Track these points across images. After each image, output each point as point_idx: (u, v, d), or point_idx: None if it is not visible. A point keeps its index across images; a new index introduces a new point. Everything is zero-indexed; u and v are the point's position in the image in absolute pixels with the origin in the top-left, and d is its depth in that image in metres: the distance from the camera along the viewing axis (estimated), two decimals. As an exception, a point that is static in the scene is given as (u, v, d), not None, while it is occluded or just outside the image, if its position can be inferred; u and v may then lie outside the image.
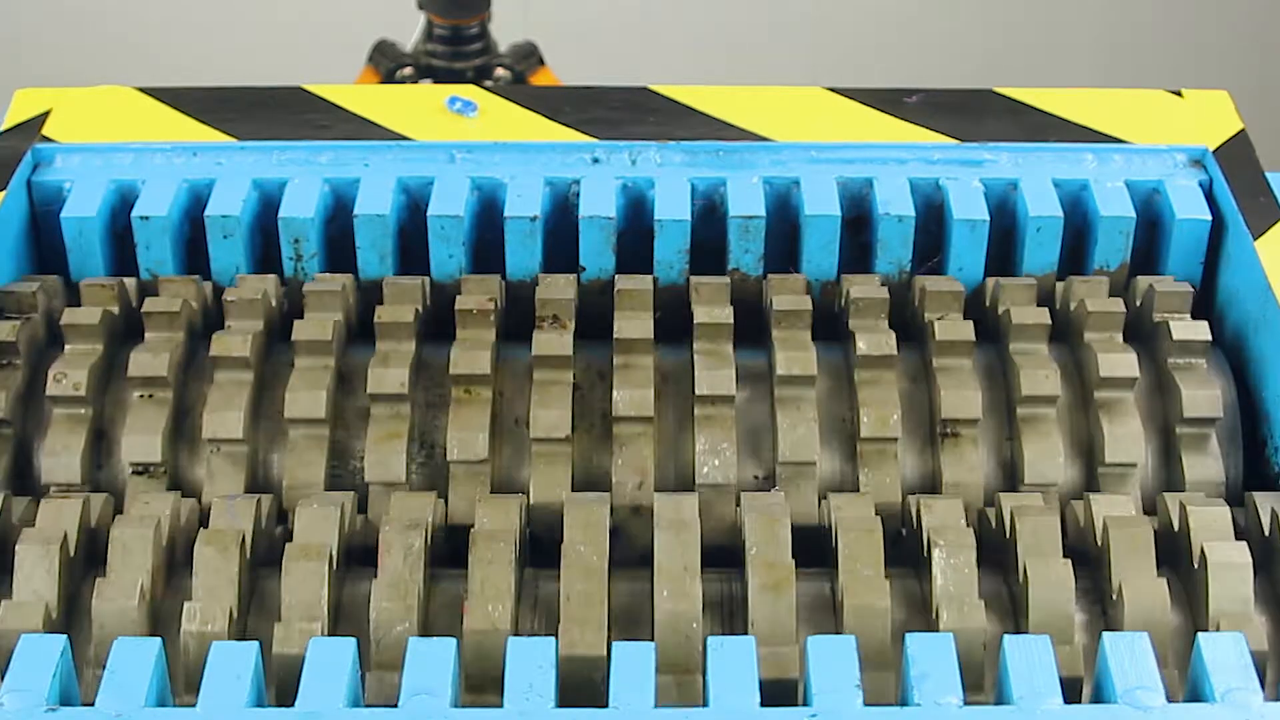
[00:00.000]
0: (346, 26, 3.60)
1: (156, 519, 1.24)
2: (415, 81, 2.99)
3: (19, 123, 1.68)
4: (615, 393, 1.41)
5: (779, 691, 1.16)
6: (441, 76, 2.98)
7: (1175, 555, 1.27)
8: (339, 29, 3.75)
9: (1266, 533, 1.27)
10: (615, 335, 1.45)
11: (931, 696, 1.10)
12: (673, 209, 1.56)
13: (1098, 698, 1.14)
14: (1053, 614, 1.20)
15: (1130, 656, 1.13)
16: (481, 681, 1.18)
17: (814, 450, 1.39)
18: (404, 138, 1.66)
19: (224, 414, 1.40)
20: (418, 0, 2.99)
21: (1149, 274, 1.58)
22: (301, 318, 1.47)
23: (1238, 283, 1.54)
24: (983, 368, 1.46)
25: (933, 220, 1.60)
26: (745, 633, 1.20)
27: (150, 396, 1.42)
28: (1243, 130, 1.68)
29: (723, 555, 1.31)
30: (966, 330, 1.45)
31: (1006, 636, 1.14)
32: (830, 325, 1.52)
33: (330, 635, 1.20)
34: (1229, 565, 1.21)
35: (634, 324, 1.46)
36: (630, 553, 1.35)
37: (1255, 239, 1.52)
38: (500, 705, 1.10)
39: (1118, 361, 1.42)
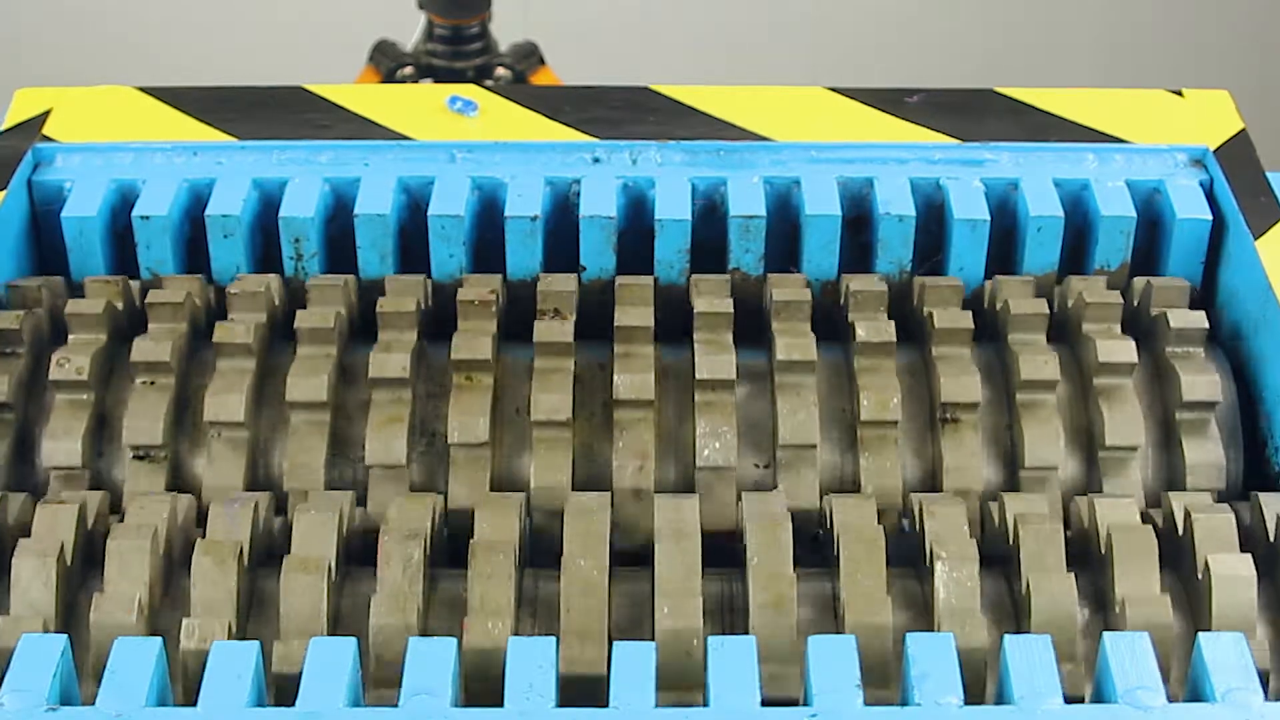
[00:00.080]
0: (346, 26, 3.60)
1: (154, 528, 1.24)
2: (415, 81, 2.99)
3: (19, 122, 1.68)
4: (616, 377, 1.41)
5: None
6: (442, 76, 2.98)
7: (1178, 558, 1.27)
8: (339, 29, 3.74)
9: (1272, 538, 1.26)
10: (616, 324, 1.45)
11: (931, 696, 1.10)
12: (673, 209, 1.56)
13: (1098, 698, 1.14)
14: (1056, 630, 1.19)
15: (1130, 656, 1.12)
16: (481, 691, 1.17)
17: (814, 434, 1.39)
18: (404, 137, 1.66)
19: (225, 397, 1.41)
20: (418, 0, 2.99)
21: (1149, 274, 1.58)
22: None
23: (1238, 282, 1.54)
24: (983, 365, 1.46)
25: (933, 220, 1.60)
26: (745, 632, 1.20)
27: (152, 383, 1.43)
28: (1243, 130, 1.68)
29: (723, 541, 1.32)
30: (965, 319, 1.45)
31: (1007, 636, 1.14)
32: (830, 325, 1.52)
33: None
34: (1233, 579, 1.21)
35: (635, 314, 1.47)
36: (630, 540, 1.35)
37: (1255, 239, 1.52)
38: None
39: (1116, 348, 1.43)
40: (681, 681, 1.18)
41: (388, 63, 3.03)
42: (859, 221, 1.60)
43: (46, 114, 1.69)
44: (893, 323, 1.46)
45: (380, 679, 1.19)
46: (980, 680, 1.18)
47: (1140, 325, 1.50)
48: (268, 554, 1.30)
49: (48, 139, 1.65)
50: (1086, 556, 1.29)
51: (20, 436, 1.44)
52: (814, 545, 1.35)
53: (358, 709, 1.10)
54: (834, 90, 1.74)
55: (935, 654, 1.12)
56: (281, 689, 1.18)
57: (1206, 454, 1.41)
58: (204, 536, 1.26)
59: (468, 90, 1.74)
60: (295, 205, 1.57)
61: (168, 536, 1.26)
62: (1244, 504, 1.34)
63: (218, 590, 1.21)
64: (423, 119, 1.69)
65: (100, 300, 1.47)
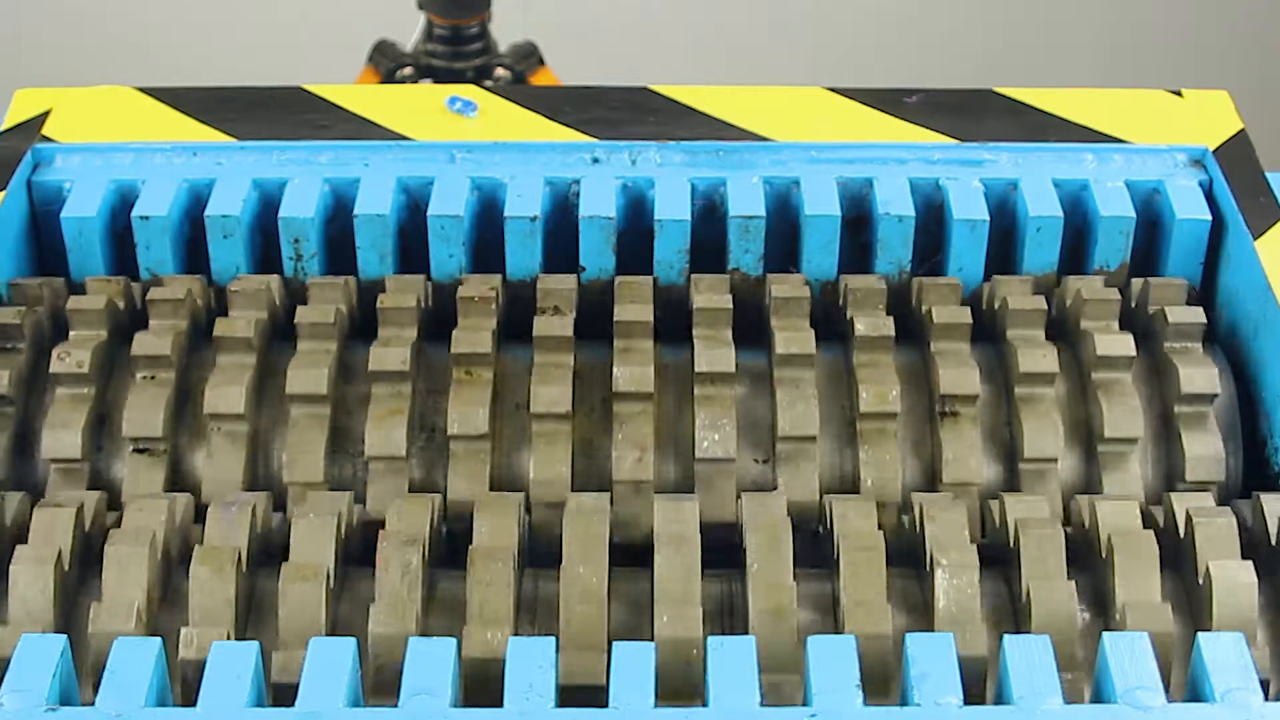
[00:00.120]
0: (346, 26, 3.60)
1: (151, 533, 1.23)
2: (415, 81, 2.99)
3: (19, 123, 1.68)
4: (615, 369, 1.42)
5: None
6: (441, 76, 2.98)
7: (1179, 562, 1.27)
8: (339, 29, 3.74)
9: (1274, 542, 1.26)
10: (615, 319, 1.46)
11: (931, 696, 1.10)
12: (673, 209, 1.56)
13: (1098, 698, 1.14)
14: (1056, 636, 1.18)
15: (1130, 656, 1.12)
16: (481, 693, 1.17)
17: (814, 425, 1.39)
18: (404, 138, 1.66)
19: (226, 389, 1.41)
20: (418, 0, 2.99)
21: (1149, 275, 1.58)
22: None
23: (1238, 283, 1.54)
24: (982, 364, 1.46)
25: (933, 220, 1.60)
26: (745, 633, 1.20)
27: (153, 378, 1.43)
28: (1243, 130, 1.68)
29: (723, 535, 1.32)
30: (963, 314, 1.46)
31: (1007, 637, 1.14)
32: (830, 326, 1.52)
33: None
34: (1234, 586, 1.20)
35: (634, 309, 1.47)
36: (630, 536, 1.35)
37: (1255, 239, 1.52)
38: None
39: (1113, 341, 1.43)
40: (681, 689, 1.17)
41: (387, 63, 3.02)
42: (859, 222, 1.60)
43: (46, 114, 1.69)
44: (891, 318, 1.46)
45: (379, 686, 1.18)
46: (980, 686, 1.18)
47: (1138, 323, 1.51)
48: (266, 555, 1.30)
49: (47, 139, 1.65)
50: (1086, 558, 1.28)
51: (20, 431, 1.44)
52: (814, 540, 1.35)
53: (358, 709, 1.10)
54: (834, 90, 1.74)
55: (935, 654, 1.12)
56: (280, 698, 1.17)
57: (1206, 446, 1.41)
58: (202, 536, 1.26)
59: (467, 90, 1.74)
60: (295, 205, 1.57)
61: (165, 539, 1.26)
62: (1244, 501, 1.33)
63: (215, 599, 1.20)
64: (422, 119, 1.69)
65: (101, 296, 1.48)
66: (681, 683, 1.17)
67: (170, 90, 1.73)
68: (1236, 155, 1.63)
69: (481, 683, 1.17)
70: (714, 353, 1.43)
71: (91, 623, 1.19)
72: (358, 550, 1.32)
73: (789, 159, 1.63)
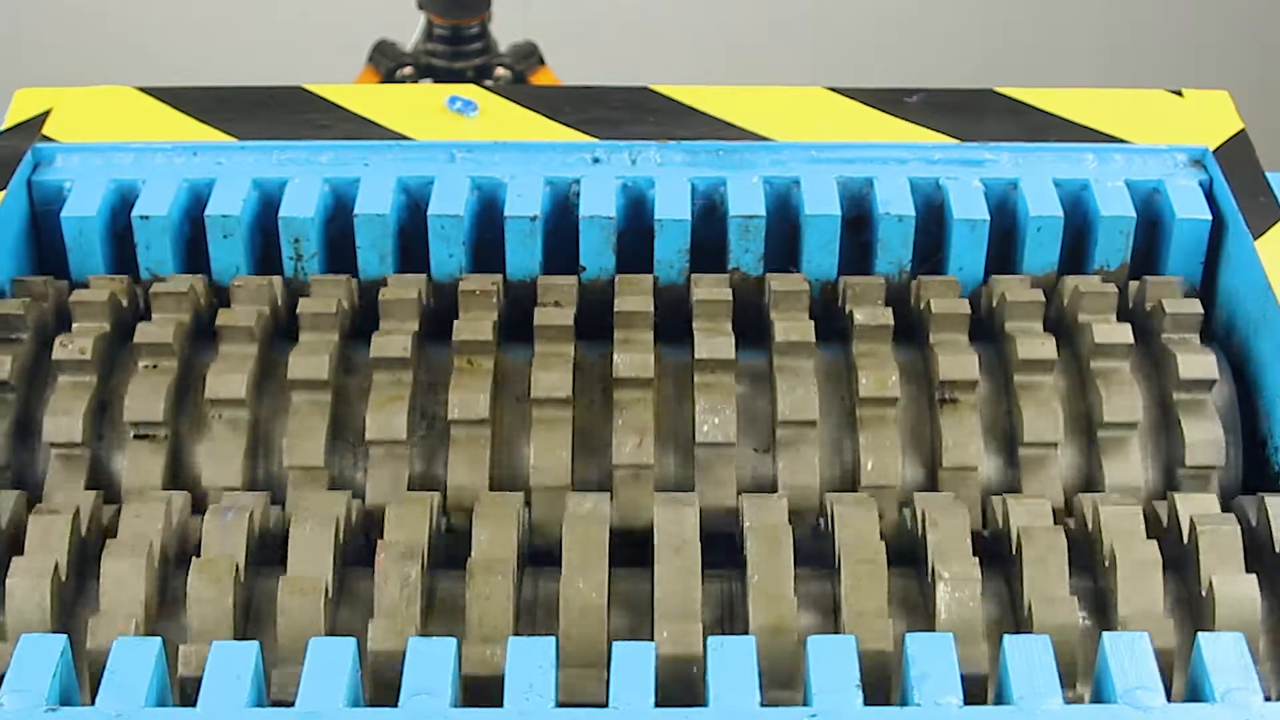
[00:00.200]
0: (346, 26, 3.60)
1: (149, 543, 1.22)
2: (415, 81, 2.99)
3: (19, 122, 1.68)
4: (616, 356, 1.42)
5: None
6: (441, 76, 2.98)
7: (1181, 566, 1.26)
8: (339, 29, 3.74)
9: (1278, 548, 1.26)
10: (616, 310, 1.46)
11: (931, 696, 1.10)
12: (673, 209, 1.56)
13: (1098, 698, 1.14)
14: (1059, 650, 1.17)
15: (1130, 656, 1.12)
16: (479, 703, 1.17)
17: (813, 410, 1.39)
18: (404, 137, 1.66)
19: (227, 376, 1.41)
20: (418, 0, 2.99)
21: (1149, 274, 1.58)
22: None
23: (1238, 283, 1.54)
24: (983, 360, 1.46)
25: (933, 220, 1.60)
26: (745, 632, 1.20)
27: (155, 366, 1.43)
28: (1243, 130, 1.68)
29: (724, 521, 1.32)
30: (962, 306, 1.46)
31: (1007, 637, 1.13)
32: (830, 326, 1.52)
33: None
34: (1237, 601, 1.20)
35: (634, 301, 1.48)
36: (630, 524, 1.35)
37: (1255, 239, 1.52)
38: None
39: (1111, 330, 1.44)
40: (680, 700, 1.16)
41: (387, 63, 3.03)
42: (859, 221, 1.60)
43: (46, 114, 1.69)
44: (890, 309, 1.47)
45: (379, 700, 1.18)
46: (980, 699, 1.17)
47: (1136, 322, 1.51)
48: (267, 553, 1.29)
49: (47, 139, 1.65)
50: (1087, 560, 1.28)
51: (21, 418, 1.44)
52: (814, 536, 1.35)
53: (358, 709, 1.10)
54: (834, 90, 1.74)
55: (935, 654, 1.12)
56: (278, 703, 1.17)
57: (1205, 432, 1.41)
58: (200, 537, 1.26)
59: (467, 90, 1.74)
60: (295, 205, 1.57)
61: (163, 544, 1.25)
62: (1249, 498, 1.33)
63: (214, 609, 1.20)
64: (422, 119, 1.69)
65: (104, 291, 1.49)
66: (681, 693, 1.17)
67: (170, 90, 1.73)
68: (1236, 155, 1.63)
69: (481, 691, 1.17)
70: (714, 340, 1.43)
71: (90, 637, 1.19)
72: (358, 545, 1.32)
73: (789, 159, 1.63)
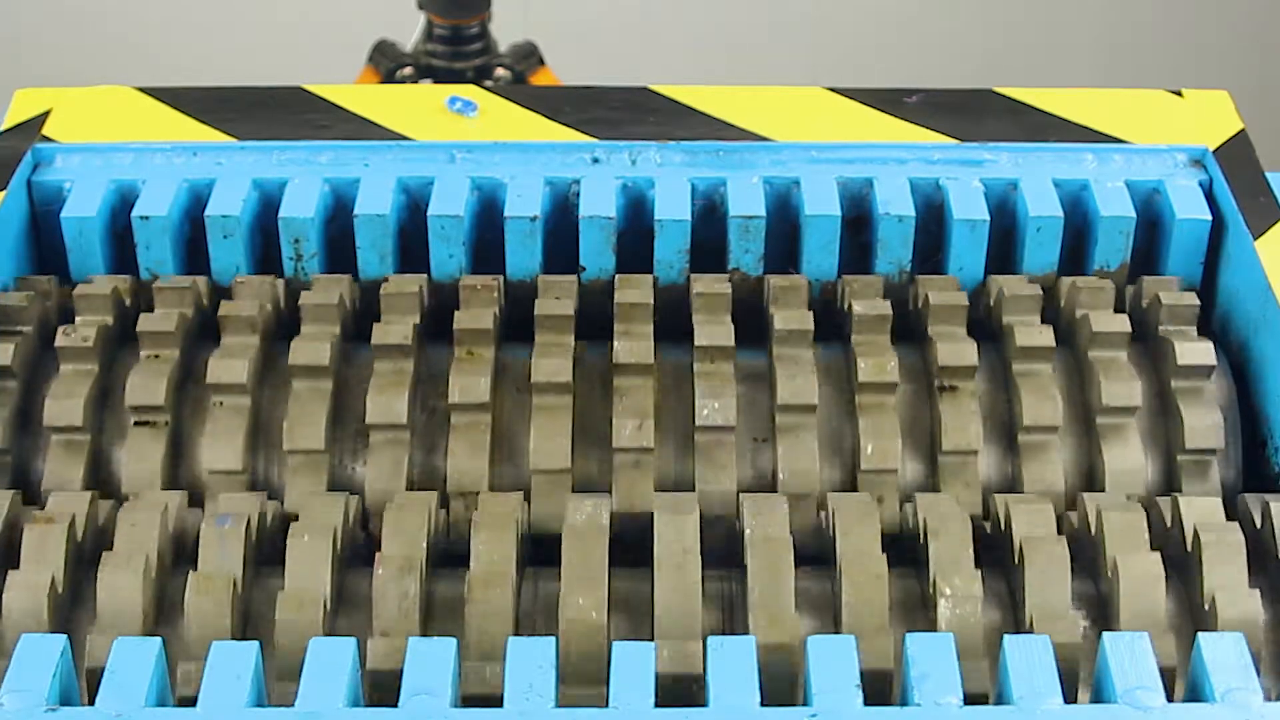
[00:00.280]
0: (346, 26, 3.60)
1: (145, 555, 1.22)
2: (415, 81, 2.99)
3: (19, 123, 1.68)
4: (616, 343, 1.42)
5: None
6: (441, 76, 2.98)
7: (1182, 568, 1.26)
8: (339, 29, 3.74)
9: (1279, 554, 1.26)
10: (616, 302, 1.47)
11: (931, 696, 1.10)
12: (673, 209, 1.56)
13: (1098, 698, 1.14)
14: (1060, 648, 1.17)
15: (1130, 656, 1.12)
16: (479, 697, 1.17)
17: (813, 395, 1.40)
18: (404, 138, 1.66)
19: (230, 362, 1.41)
20: (418, 0, 2.99)
21: (1149, 274, 1.58)
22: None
23: (1238, 283, 1.54)
24: (982, 356, 1.45)
25: (933, 220, 1.60)
26: (745, 631, 1.20)
27: (157, 356, 1.44)
28: (1243, 130, 1.68)
29: (724, 508, 1.33)
30: (960, 299, 1.47)
31: (1007, 636, 1.13)
32: (830, 326, 1.52)
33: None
34: (1240, 620, 1.19)
35: (635, 294, 1.48)
36: (630, 512, 1.36)
37: (1255, 239, 1.52)
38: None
39: (1109, 319, 1.44)
40: (681, 700, 1.16)
41: (387, 63, 3.02)
42: (859, 221, 1.60)
43: (46, 114, 1.69)
44: (889, 301, 1.47)
45: (378, 700, 1.17)
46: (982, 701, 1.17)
47: (1135, 319, 1.51)
48: (268, 550, 1.29)
49: (47, 139, 1.65)
50: (1089, 563, 1.28)
51: (23, 408, 1.44)
52: (815, 533, 1.35)
53: (358, 709, 1.10)
54: (834, 90, 1.74)
55: (935, 654, 1.12)
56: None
57: (1204, 416, 1.41)
58: (201, 533, 1.25)
59: (467, 90, 1.74)
60: (295, 205, 1.57)
61: (160, 550, 1.25)
62: (1253, 496, 1.34)
63: (215, 621, 1.19)
64: (422, 119, 1.69)
65: (106, 286, 1.49)
66: (681, 693, 1.17)
67: (170, 90, 1.73)
68: (1236, 155, 1.63)
69: (480, 701, 1.17)
70: (713, 329, 1.44)
71: (88, 655, 1.19)
72: (357, 543, 1.32)
73: (789, 159, 1.63)
